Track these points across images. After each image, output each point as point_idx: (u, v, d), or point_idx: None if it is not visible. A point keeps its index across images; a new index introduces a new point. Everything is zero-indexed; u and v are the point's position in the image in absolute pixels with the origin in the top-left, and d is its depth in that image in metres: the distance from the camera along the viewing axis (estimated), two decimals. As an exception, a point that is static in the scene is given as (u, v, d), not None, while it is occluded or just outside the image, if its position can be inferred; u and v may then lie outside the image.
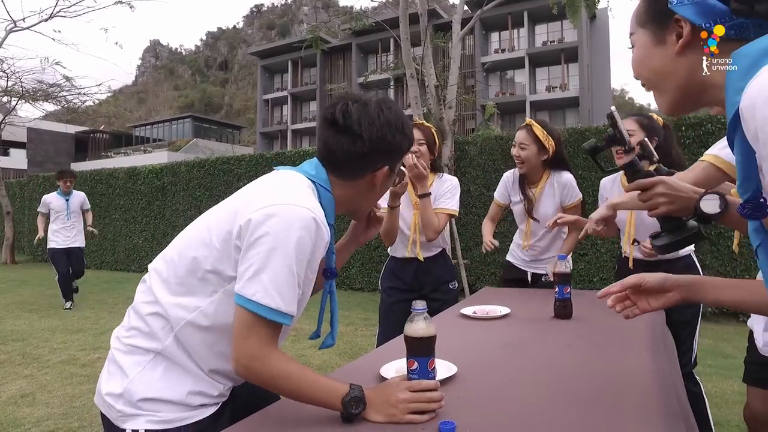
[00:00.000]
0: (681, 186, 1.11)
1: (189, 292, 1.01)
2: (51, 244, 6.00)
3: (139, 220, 10.10)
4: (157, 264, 1.09)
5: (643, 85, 0.83)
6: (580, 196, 2.42)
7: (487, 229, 2.59)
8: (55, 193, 6.11)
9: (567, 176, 2.42)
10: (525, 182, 2.50)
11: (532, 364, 1.25)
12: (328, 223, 1.02)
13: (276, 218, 0.93)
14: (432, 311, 1.36)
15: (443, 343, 1.43)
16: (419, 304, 1.00)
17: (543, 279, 2.45)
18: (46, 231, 6.02)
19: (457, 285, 2.42)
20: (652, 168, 1.24)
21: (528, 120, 2.43)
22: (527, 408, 0.98)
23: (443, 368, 1.17)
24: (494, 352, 1.37)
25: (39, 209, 6.09)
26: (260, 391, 1.06)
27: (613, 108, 1.17)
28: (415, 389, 0.95)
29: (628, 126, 2.19)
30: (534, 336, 1.55)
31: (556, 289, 1.79)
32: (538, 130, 2.36)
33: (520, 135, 2.40)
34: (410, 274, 2.33)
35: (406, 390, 0.95)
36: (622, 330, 1.58)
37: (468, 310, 1.88)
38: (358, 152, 1.04)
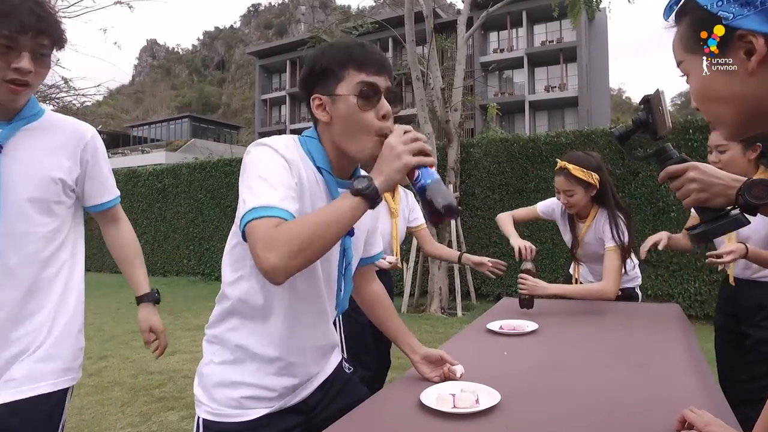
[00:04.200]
0: (716, 172, 1.00)
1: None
2: None
3: (139, 222, 10.04)
4: None
5: (703, 115, 0.76)
6: (613, 243, 2.11)
7: (510, 228, 2.35)
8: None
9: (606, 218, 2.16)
10: (574, 218, 2.31)
11: (576, 389, 1.21)
12: (318, 167, 1.06)
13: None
14: None
15: (478, 362, 1.39)
16: None
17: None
18: None
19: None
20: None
21: (561, 163, 2.14)
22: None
23: (485, 396, 1.12)
24: (533, 375, 1.33)
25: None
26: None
27: (659, 89, 1.08)
28: (399, 132, 0.96)
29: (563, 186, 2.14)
30: (570, 355, 1.50)
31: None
32: (578, 171, 2.09)
33: (560, 182, 2.14)
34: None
35: (393, 136, 0.96)
36: (660, 348, 1.54)
37: (494, 326, 1.83)
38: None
